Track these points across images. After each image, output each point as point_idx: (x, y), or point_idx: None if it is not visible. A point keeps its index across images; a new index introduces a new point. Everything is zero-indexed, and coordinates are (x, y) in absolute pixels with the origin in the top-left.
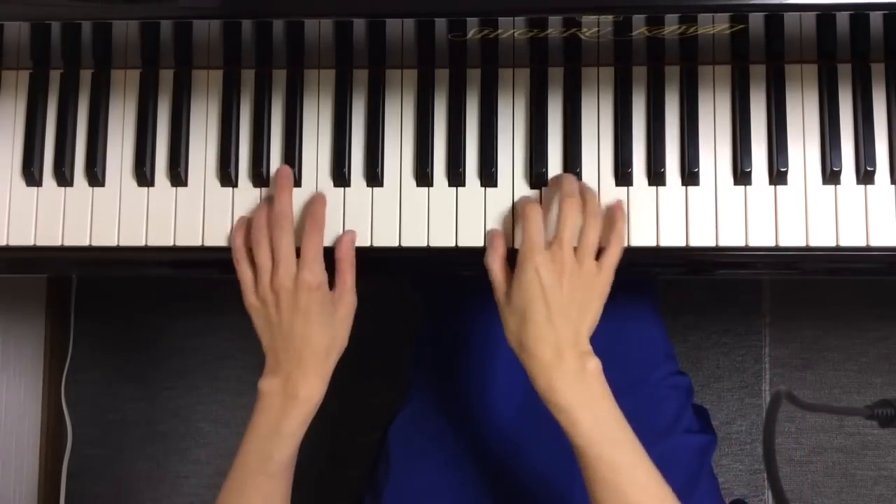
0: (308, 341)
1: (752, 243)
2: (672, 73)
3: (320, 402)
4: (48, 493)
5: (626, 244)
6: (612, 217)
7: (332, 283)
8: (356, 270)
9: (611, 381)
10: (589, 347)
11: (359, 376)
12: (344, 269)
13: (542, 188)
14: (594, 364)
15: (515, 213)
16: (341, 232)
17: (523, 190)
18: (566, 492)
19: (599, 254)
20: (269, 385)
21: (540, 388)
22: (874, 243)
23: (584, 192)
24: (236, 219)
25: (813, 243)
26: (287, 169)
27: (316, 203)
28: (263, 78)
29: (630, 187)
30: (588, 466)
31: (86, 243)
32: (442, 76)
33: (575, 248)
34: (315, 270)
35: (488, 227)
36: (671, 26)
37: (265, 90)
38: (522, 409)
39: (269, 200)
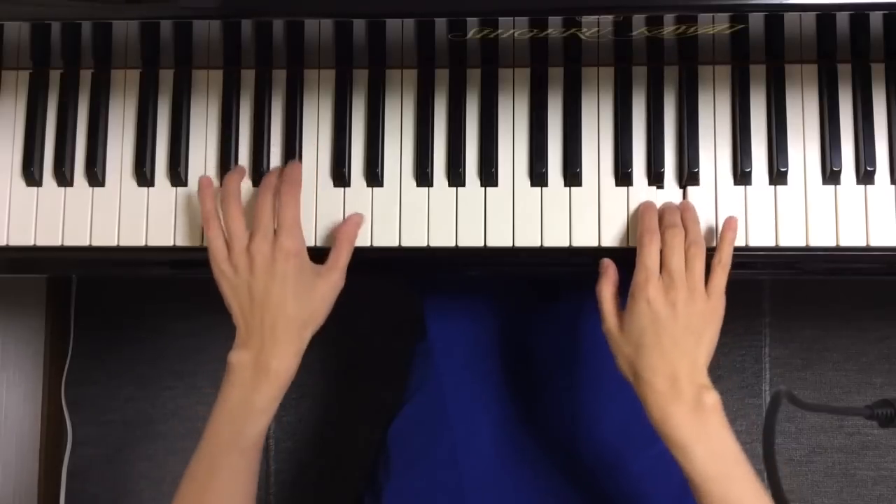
0: (283, 310)
1: (753, 243)
2: (672, 73)
3: (292, 377)
4: (48, 493)
5: (729, 269)
6: (718, 243)
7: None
8: (357, 273)
9: (608, 382)
10: (707, 381)
11: (359, 376)
12: (340, 246)
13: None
14: (712, 398)
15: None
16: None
17: (523, 190)
18: (567, 489)
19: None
20: (239, 358)
21: (653, 418)
22: (874, 243)
23: (686, 220)
24: None
25: (813, 243)
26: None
27: (291, 166)
28: (263, 78)
29: (630, 187)
30: (702, 502)
31: (86, 243)
32: (442, 76)
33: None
34: (294, 235)
35: (489, 227)
36: (671, 26)
37: (265, 90)
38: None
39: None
